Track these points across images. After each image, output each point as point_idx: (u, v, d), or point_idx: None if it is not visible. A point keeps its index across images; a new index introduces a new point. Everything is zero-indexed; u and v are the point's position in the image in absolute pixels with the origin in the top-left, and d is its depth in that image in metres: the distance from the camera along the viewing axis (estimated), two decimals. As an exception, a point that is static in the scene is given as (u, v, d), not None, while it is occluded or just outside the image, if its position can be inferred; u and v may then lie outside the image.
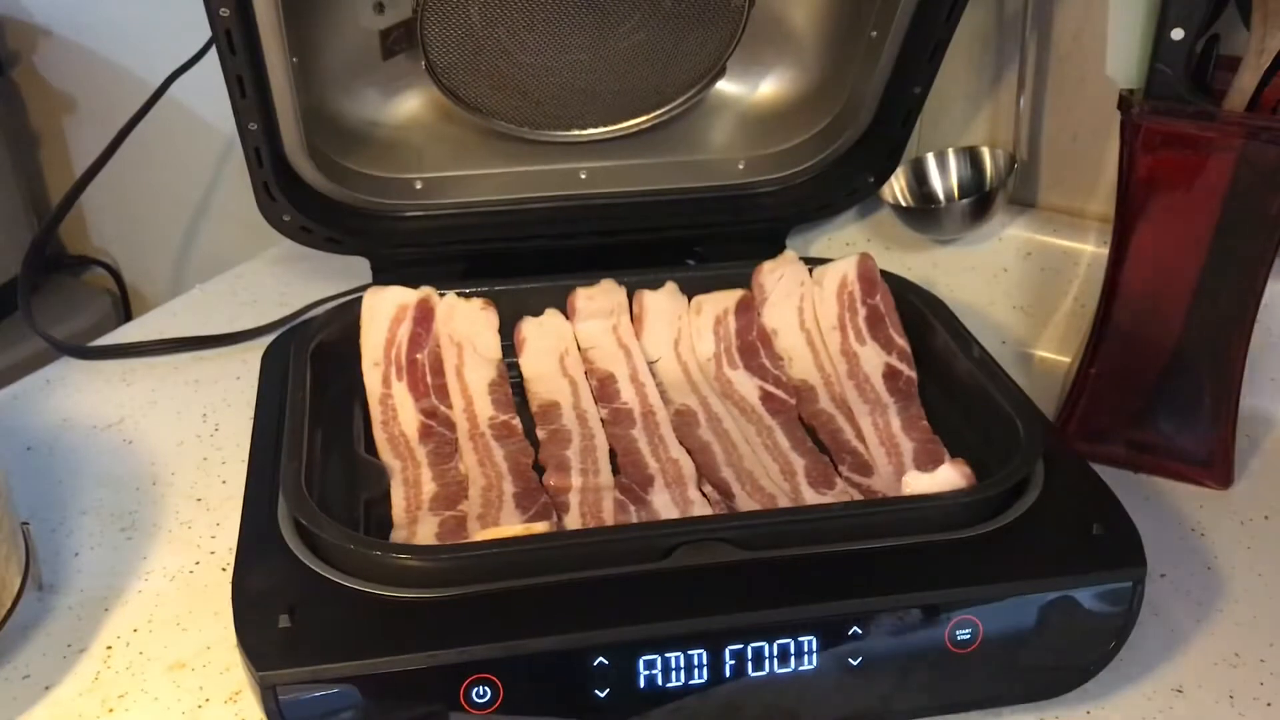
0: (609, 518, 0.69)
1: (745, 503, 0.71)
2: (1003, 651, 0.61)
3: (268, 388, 0.78)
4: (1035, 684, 0.63)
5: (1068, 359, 0.92)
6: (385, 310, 0.82)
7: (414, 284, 0.84)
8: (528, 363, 0.84)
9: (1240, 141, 0.72)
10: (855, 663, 0.59)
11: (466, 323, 0.84)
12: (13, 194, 1.43)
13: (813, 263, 0.89)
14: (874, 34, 0.88)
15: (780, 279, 0.88)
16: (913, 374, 0.81)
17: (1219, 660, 0.66)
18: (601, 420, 0.79)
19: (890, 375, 0.81)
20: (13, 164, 1.44)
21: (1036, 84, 0.97)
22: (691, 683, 0.58)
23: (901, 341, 0.83)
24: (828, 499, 0.72)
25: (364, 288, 0.84)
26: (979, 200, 0.99)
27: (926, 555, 0.62)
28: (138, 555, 0.73)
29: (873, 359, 0.83)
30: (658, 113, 0.94)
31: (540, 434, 0.78)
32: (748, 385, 0.83)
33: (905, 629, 0.59)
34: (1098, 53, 0.88)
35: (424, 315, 0.83)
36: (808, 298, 0.87)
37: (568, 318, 0.87)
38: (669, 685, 0.58)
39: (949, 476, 0.66)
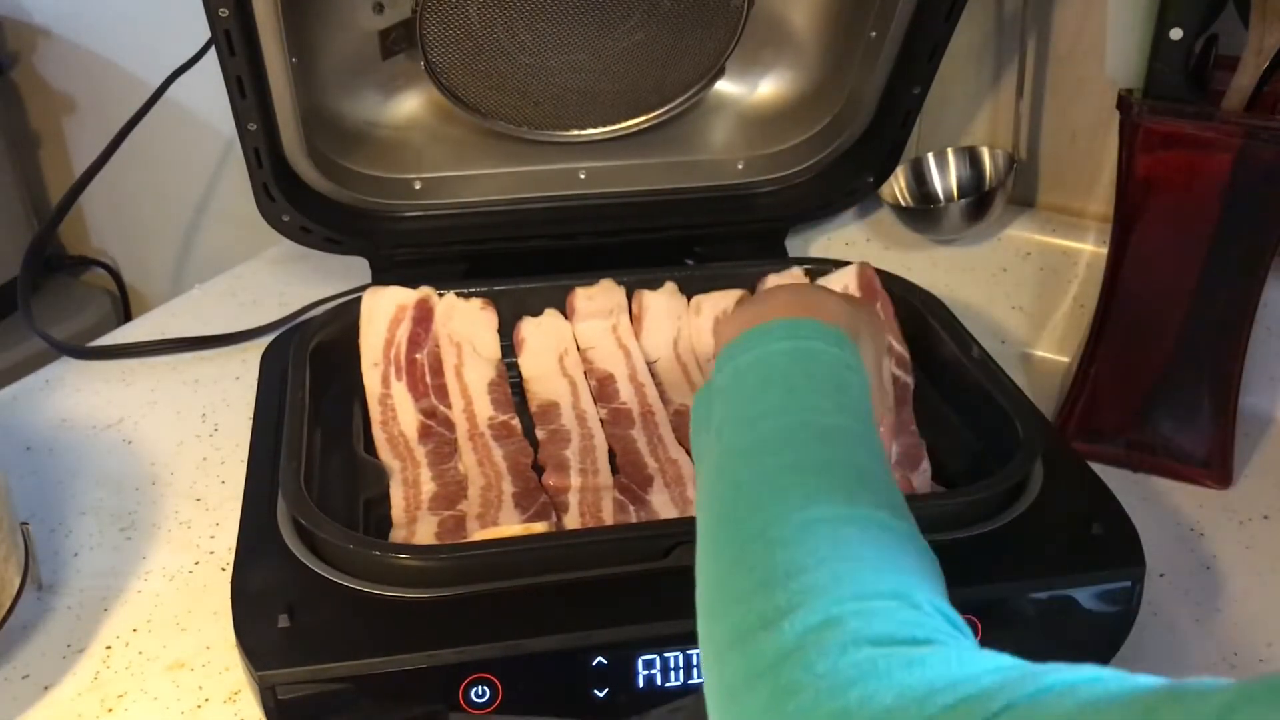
0: (608, 517, 0.69)
1: (744, 502, 0.71)
2: (1002, 651, 0.60)
3: (267, 388, 0.78)
4: (1034, 684, 0.63)
5: (1067, 359, 0.92)
6: (384, 310, 0.82)
7: (413, 284, 0.84)
8: (527, 363, 0.84)
9: (1239, 141, 0.72)
10: (854, 662, 0.59)
11: (466, 323, 0.84)
12: (13, 194, 1.43)
13: (814, 263, 0.89)
14: (873, 34, 0.88)
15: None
16: (909, 380, 0.81)
17: (1218, 659, 0.66)
18: (601, 420, 0.79)
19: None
20: (13, 164, 1.44)
21: (1036, 84, 0.97)
22: (690, 682, 0.58)
23: (900, 348, 0.82)
24: (827, 499, 0.72)
25: (363, 288, 0.84)
26: (978, 200, 0.99)
27: (925, 555, 0.62)
28: (137, 555, 0.73)
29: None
30: (657, 113, 0.94)
31: (539, 434, 0.77)
32: (747, 385, 0.83)
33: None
34: (1097, 53, 0.89)
35: (423, 315, 0.83)
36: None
37: (567, 318, 0.87)
38: (668, 685, 0.58)
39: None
